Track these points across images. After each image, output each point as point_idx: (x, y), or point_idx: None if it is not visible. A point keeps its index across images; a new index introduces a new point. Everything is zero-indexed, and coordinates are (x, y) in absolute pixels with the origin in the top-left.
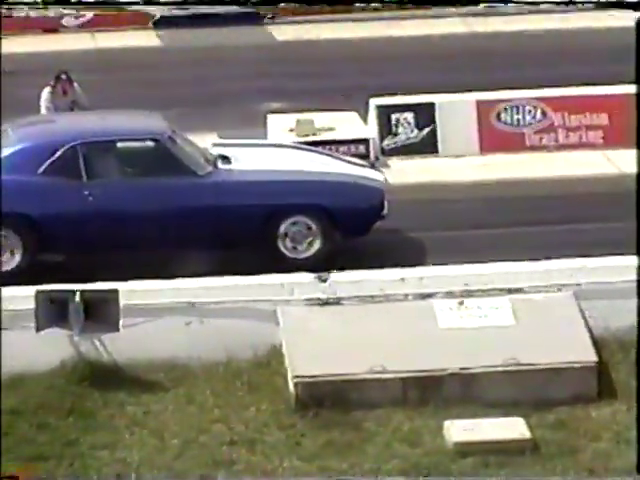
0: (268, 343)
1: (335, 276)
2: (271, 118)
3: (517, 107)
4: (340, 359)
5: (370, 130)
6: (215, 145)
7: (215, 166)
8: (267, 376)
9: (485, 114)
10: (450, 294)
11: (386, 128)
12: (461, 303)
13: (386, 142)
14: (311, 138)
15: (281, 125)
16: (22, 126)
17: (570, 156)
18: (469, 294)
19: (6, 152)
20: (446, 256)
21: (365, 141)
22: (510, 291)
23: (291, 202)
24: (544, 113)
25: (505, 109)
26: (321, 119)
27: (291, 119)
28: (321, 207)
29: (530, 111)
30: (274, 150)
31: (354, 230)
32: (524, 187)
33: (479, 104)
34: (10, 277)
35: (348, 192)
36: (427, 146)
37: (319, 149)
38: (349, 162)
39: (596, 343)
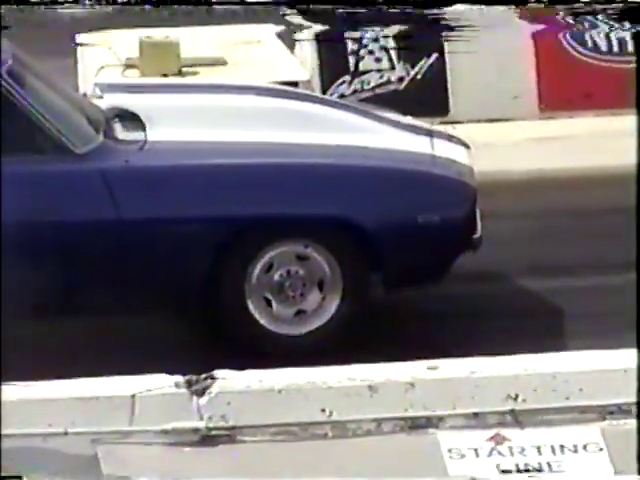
0: None
1: (225, 378)
2: (86, 40)
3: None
4: None
5: (302, 66)
6: (105, 88)
7: (110, 135)
8: None
9: (549, 32)
10: (474, 419)
11: (337, 61)
12: (499, 440)
13: (338, 89)
14: (172, 80)
15: (108, 55)
16: None
17: None
18: (515, 419)
19: None
20: (468, 335)
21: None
22: (604, 412)
23: (279, 212)
24: None
25: (592, 22)
26: (196, 42)
27: (129, 42)
28: (344, 223)
29: None
30: (237, 99)
31: (414, 271)
32: (629, 188)
33: (537, 12)
34: None
35: (403, 191)
36: (426, 99)
37: (334, 99)
38: (403, 125)
39: None
